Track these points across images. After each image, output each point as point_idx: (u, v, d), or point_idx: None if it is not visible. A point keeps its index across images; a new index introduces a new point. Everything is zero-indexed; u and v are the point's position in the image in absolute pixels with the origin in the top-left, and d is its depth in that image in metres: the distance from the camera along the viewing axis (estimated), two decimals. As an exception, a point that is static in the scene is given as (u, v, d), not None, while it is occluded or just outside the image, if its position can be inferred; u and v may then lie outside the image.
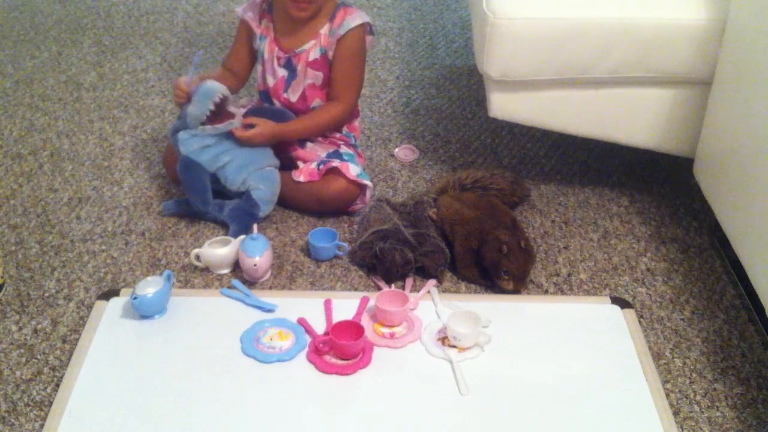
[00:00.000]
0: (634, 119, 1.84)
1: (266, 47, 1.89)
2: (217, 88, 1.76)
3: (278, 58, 1.88)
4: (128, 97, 2.40)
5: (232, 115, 1.80)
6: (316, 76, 1.87)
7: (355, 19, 1.82)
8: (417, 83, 2.50)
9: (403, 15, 2.95)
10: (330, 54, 1.84)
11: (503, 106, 1.85)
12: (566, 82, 1.78)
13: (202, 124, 1.77)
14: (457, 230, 1.71)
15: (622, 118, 1.84)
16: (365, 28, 1.84)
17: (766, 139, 1.46)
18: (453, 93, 2.45)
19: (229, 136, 1.80)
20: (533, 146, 2.19)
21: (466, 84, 2.50)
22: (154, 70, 2.56)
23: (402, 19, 2.92)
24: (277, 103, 1.92)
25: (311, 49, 1.85)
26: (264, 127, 1.82)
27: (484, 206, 1.74)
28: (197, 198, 1.79)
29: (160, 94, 2.41)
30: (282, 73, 1.89)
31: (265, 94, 1.94)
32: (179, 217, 1.86)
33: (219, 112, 1.78)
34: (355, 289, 1.67)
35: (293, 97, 1.90)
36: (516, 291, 1.65)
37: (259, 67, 1.93)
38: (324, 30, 1.84)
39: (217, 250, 1.69)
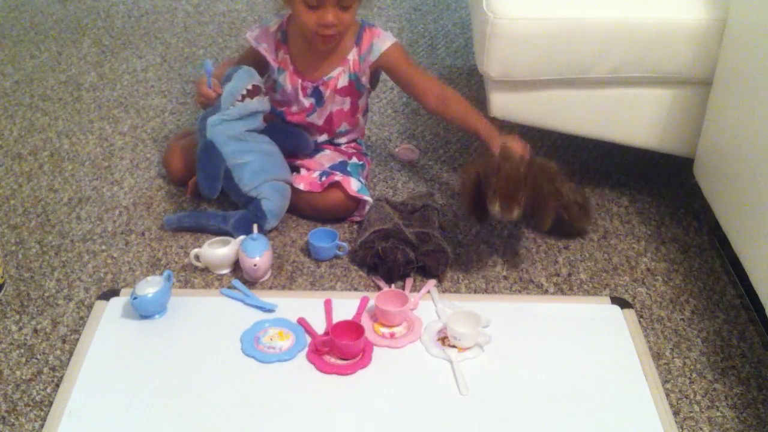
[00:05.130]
0: (634, 119, 1.84)
1: (287, 80, 1.86)
2: (256, 75, 1.82)
3: (303, 89, 1.85)
4: (128, 97, 2.40)
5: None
6: (343, 102, 1.87)
7: (384, 41, 1.81)
8: (417, 83, 2.50)
9: (403, 15, 2.95)
10: (363, 79, 1.83)
11: (503, 106, 1.85)
12: (566, 82, 1.78)
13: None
14: (487, 160, 1.67)
15: (622, 118, 1.84)
16: (398, 43, 1.83)
17: (766, 139, 1.46)
18: (453, 93, 2.45)
19: (256, 137, 1.81)
20: (533, 146, 2.18)
21: (466, 84, 2.50)
22: (154, 70, 2.56)
23: (402, 19, 2.92)
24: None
25: (340, 76, 1.83)
26: (502, 138, 1.76)
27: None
28: (206, 182, 1.78)
29: (160, 94, 2.41)
30: (309, 102, 1.87)
31: (280, 112, 1.92)
32: (182, 230, 1.82)
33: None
34: (355, 289, 1.67)
35: (318, 121, 1.90)
36: (505, 218, 1.59)
37: (277, 96, 1.90)
38: (352, 55, 1.82)
39: (217, 250, 1.69)
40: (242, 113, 1.79)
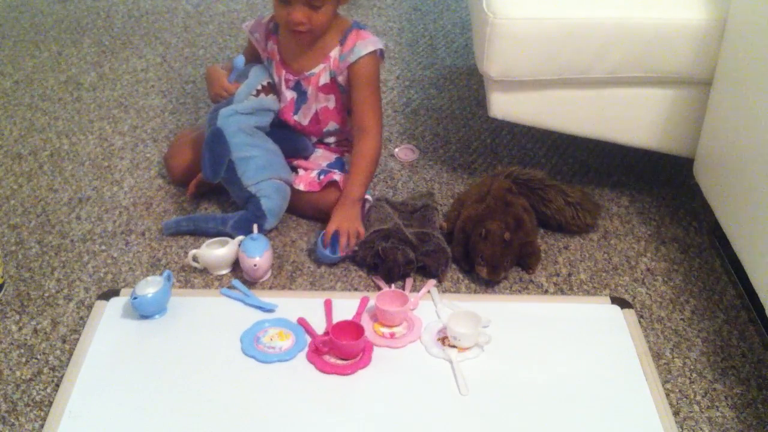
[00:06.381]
0: (634, 119, 1.83)
1: (274, 71, 1.87)
2: (270, 74, 1.87)
3: (287, 81, 1.85)
4: (128, 97, 2.40)
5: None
6: (328, 99, 1.86)
7: (366, 45, 1.78)
8: (417, 83, 2.50)
9: (403, 15, 2.95)
10: (340, 78, 1.82)
11: (503, 106, 1.85)
12: (566, 82, 1.78)
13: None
14: (466, 209, 1.74)
15: (622, 118, 1.84)
16: (377, 54, 1.80)
17: (766, 139, 1.46)
18: (453, 93, 2.45)
19: (262, 135, 1.81)
20: (533, 146, 2.19)
21: (466, 84, 2.50)
22: (154, 70, 2.56)
23: (402, 19, 2.92)
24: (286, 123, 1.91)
25: (321, 73, 1.82)
26: (347, 211, 1.74)
27: (501, 201, 1.74)
28: (210, 166, 1.77)
29: (160, 94, 2.41)
30: (291, 95, 1.87)
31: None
32: (181, 235, 1.82)
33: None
34: (355, 289, 1.67)
35: (304, 120, 1.89)
36: (491, 281, 1.66)
37: None
38: (334, 53, 1.80)
39: (215, 251, 1.68)
40: (256, 108, 1.80)
